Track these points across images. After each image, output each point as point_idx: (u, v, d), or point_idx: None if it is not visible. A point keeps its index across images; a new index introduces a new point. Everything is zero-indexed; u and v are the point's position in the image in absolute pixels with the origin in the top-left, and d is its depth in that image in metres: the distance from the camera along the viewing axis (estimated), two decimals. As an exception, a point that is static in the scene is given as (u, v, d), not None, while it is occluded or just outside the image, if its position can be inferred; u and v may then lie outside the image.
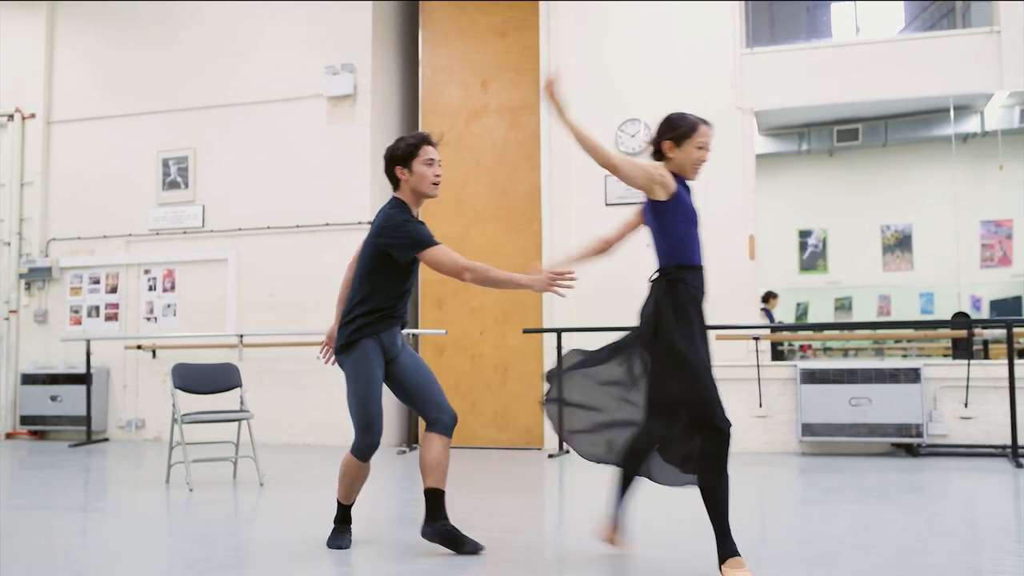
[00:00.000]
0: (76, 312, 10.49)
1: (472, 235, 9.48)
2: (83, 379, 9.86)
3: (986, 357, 8.68)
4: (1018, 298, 10.40)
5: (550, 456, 8.31)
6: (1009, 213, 10.01)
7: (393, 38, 10.22)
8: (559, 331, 8.56)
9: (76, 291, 10.50)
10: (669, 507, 5.13)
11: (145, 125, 10.41)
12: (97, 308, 10.41)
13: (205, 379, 6.82)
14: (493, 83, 9.62)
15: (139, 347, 10.10)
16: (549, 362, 8.87)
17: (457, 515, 5.30)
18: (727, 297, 8.35)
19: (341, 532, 4.53)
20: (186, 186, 10.18)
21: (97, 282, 10.44)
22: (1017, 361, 7.59)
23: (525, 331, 8.87)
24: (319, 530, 4.90)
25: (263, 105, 10.01)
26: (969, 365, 7.91)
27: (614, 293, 8.49)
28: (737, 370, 8.32)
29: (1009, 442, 7.45)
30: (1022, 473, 6.83)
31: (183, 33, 10.39)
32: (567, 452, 8.56)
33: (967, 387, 7.91)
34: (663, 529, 4.79)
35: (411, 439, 9.20)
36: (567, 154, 9.05)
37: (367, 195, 9.54)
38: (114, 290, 10.36)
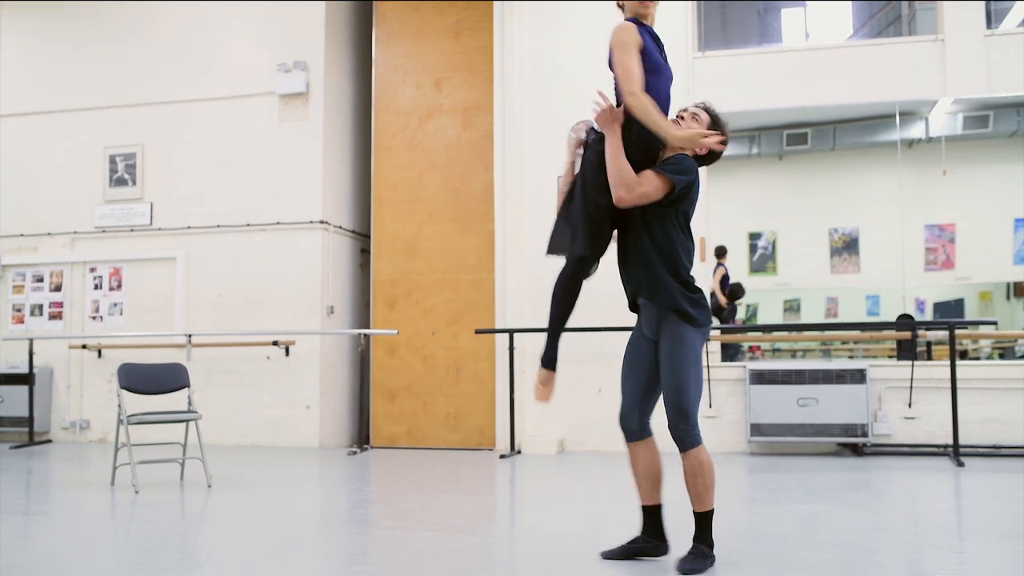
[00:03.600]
0: (19, 311, 10.26)
1: (425, 235, 9.44)
2: (25, 379, 9.65)
3: (929, 358, 8.86)
4: (960, 300, 10.64)
5: (502, 456, 8.32)
6: (952, 217, 10.22)
7: (346, 37, 10.15)
8: (511, 331, 8.57)
9: (19, 289, 10.27)
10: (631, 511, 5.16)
11: (91, 121, 10.21)
12: (40, 307, 10.19)
13: (152, 379, 6.71)
14: (447, 83, 9.60)
15: (84, 347, 9.91)
16: (501, 362, 8.87)
17: (409, 516, 5.29)
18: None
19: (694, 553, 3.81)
20: (134, 183, 10.01)
21: (41, 280, 10.22)
22: (959, 362, 7.76)
23: (477, 331, 8.87)
24: (268, 532, 4.86)
25: (213, 102, 9.87)
26: (913, 366, 8.08)
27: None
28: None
29: (951, 441, 7.61)
30: (963, 472, 6.98)
31: (132, 29, 10.20)
32: (518, 453, 8.58)
33: (911, 388, 8.07)
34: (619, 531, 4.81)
35: (362, 440, 9.14)
36: (520, 154, 9.07)
37: (319, 194, 9.46)
38: (58, 288, 10.15)
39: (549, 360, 3.95)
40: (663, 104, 3.79)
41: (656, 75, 3.77)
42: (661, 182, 3.71)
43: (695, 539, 3.81)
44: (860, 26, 11.50)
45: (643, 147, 3.77)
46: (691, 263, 3.87)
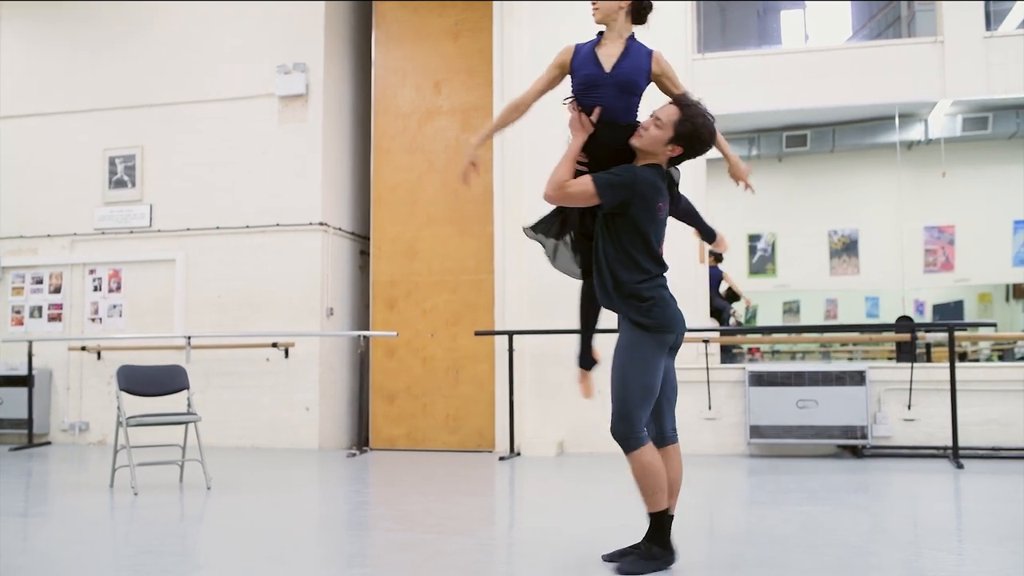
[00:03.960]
0: (18, 312, 10.25)
1: (424, 237, 9.44)
2: (25, 381, 9.64)
3: (929, 360, 8.85)
4: (960, 302, 10.62)
5: (501, 459, 8.31)
6: (952, 219, 10.22)
7: (346, 38, 10.15)
8: (511, 333, 8.56)
9: (18, 291, 10.26)
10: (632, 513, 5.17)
11: (91, 123, 10.21)
12: (40, 308, 10.19)
13: (151, 381, 6.70)
14: (446, 85, 9.60)
15: (83, 348, 9.91)
16: (501, 364, 8.87)
17: (409, 518, 5.29)
18: (678, 301, 8.40)
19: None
20: (133, 185, 10.01)
21: (40, 282, 10.22)
22: (958, 364, 7.75)
23: (477, 333, 8.87)
24: (267, 534, 4.86)
25: (213, 104, 9.87)
26: (912, 368, 8.07)
27: (566, 295, 8.50)
28: (687, 372, 8.39)
29: (950, 443, 7.61)
30: (962, 474, 6.97)
31: (132, 31, 10.20)
32: (518, 454, 8.58)
33: (910, 389, 8.06)
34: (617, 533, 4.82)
35: (361, 442, 9.14)
36: (520, 156, 9.07)
37: (318, 196, 9.46)
38: (58, 290, 10.15)
39: (581, 360, 4.25)
40: (606, 112, 3.86)
41: (584, 89, 3.92)
42: (590, 188, 3.75)
43: (644, 538, 3.79)
44: (859, 28, 11.49)
45: (606, 147, 3.87)
46: (644, 271, 3.77)
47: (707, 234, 4.38)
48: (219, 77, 9.88)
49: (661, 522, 3.75)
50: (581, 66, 3.96)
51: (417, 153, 9.58)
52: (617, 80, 3.88)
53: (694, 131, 3.77)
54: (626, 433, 3.70)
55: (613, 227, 3.79)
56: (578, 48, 4.03)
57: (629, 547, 3.95)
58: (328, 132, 9.64)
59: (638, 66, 3.92)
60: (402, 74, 9.72)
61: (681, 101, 3.82)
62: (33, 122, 10.42)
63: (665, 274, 3.88)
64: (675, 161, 3.88)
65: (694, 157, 3.91)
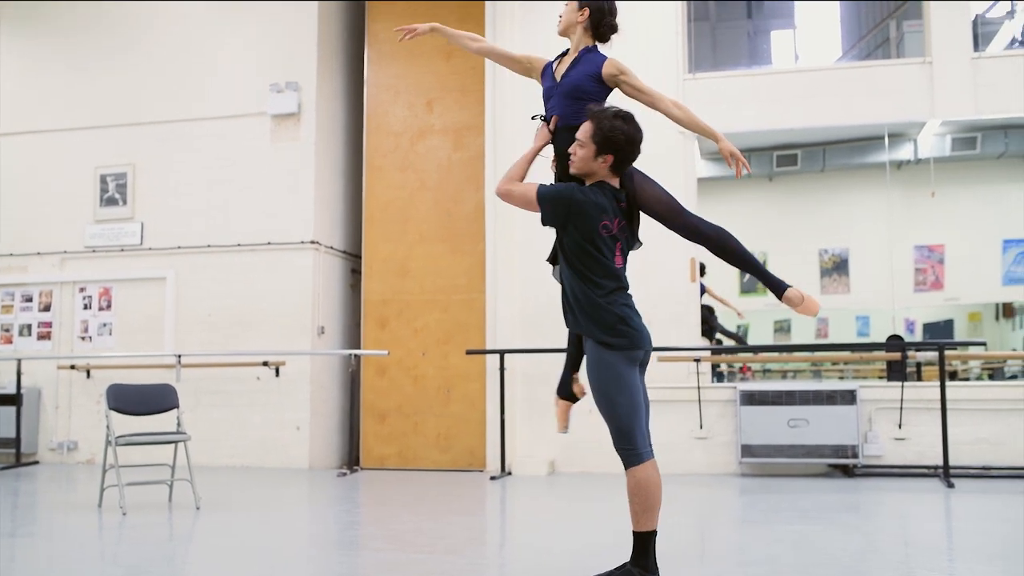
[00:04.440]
0: (7, 331, 10.21)
1: (416, 255, 9.45)
2: (13, 400, 9.59)
3: (919, 379, 8.86)
4: (950, 321, 10.65)
5: (492, 478, 8.29)
6: (941, 239, 10.26)
7: (338, 57, 10.18)
8: (502, 352, 8.56)
9: (7, 309, 10.22)
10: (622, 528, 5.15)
11: (83, 140, 10.21)
12: (29, 327, 10.15)
13: (141, 400, 6.67)
14: (438, 103, 9.63)
15: (73, 367, 9.86)
16: (492, 383, 8.85)
17: (399, 537, 5.26)
18: (669, 319, 8.43)
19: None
20: (124, 203, 10.00)
21: (30, 300, 10.18)
22: (948, 383, 7.77)
23: (468, 352, 8.85)
24: (257, 554, 4.83)
25: (206, 122, 9.88)
26: (903, 387, 8.09)
27: (558, 314, 8.50)
28: (678, 392, 8.39)
29: (941, 463, 7.61)
30: (953, 493, 6.98)
31: (125, 49, 10.22)
32: (509, 474, 8.55)
33: (901, 409, 8.07)
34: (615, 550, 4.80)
35: (352, 461, 9.10)
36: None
37: (310, 214, 9.46)
38: (47, 308, 10.11)
39: (561, 388, 4.41)
40: (560, 119, 4.02)
41: (544, 102, 4.17)
42: (530, 195, 3.78)
43: (629, 560, 3.74)
44: (849, 48, 11.59)
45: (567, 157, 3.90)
46: (599, 286, 3.71)
47: (774, 286, 4.02)
48: (211, 96, 9.90)
49: (646, 543, 3.71)
50: (542, 81, 4.23)
51: (409, 171, 9.60)
52: (564, 89, 4.04)
53: (608, 136, 3.71)
54: (623, 449, 3.68)
55: (564, 245, 3.79)
56: (547, 64, 4.25)
57: (615, 568, 3.93)
58: (320, 150, 9.66)
59: (585, 72, 4.03)
60: (394, 92, 9.75)
61: (589, 112, 3.81)
62: (24, 139, 10.41)
63: (628, 290, 3.82)
64: (619, 168, 3.81)
65: (634, 156, 3.83)
